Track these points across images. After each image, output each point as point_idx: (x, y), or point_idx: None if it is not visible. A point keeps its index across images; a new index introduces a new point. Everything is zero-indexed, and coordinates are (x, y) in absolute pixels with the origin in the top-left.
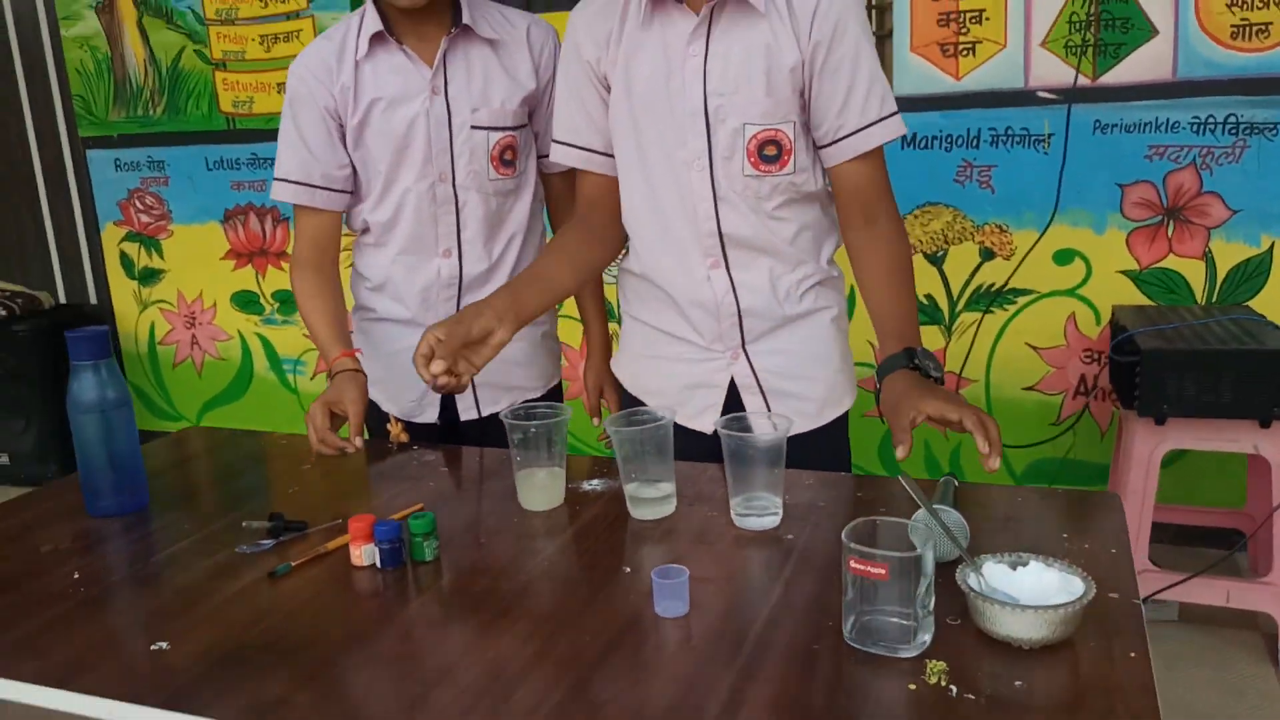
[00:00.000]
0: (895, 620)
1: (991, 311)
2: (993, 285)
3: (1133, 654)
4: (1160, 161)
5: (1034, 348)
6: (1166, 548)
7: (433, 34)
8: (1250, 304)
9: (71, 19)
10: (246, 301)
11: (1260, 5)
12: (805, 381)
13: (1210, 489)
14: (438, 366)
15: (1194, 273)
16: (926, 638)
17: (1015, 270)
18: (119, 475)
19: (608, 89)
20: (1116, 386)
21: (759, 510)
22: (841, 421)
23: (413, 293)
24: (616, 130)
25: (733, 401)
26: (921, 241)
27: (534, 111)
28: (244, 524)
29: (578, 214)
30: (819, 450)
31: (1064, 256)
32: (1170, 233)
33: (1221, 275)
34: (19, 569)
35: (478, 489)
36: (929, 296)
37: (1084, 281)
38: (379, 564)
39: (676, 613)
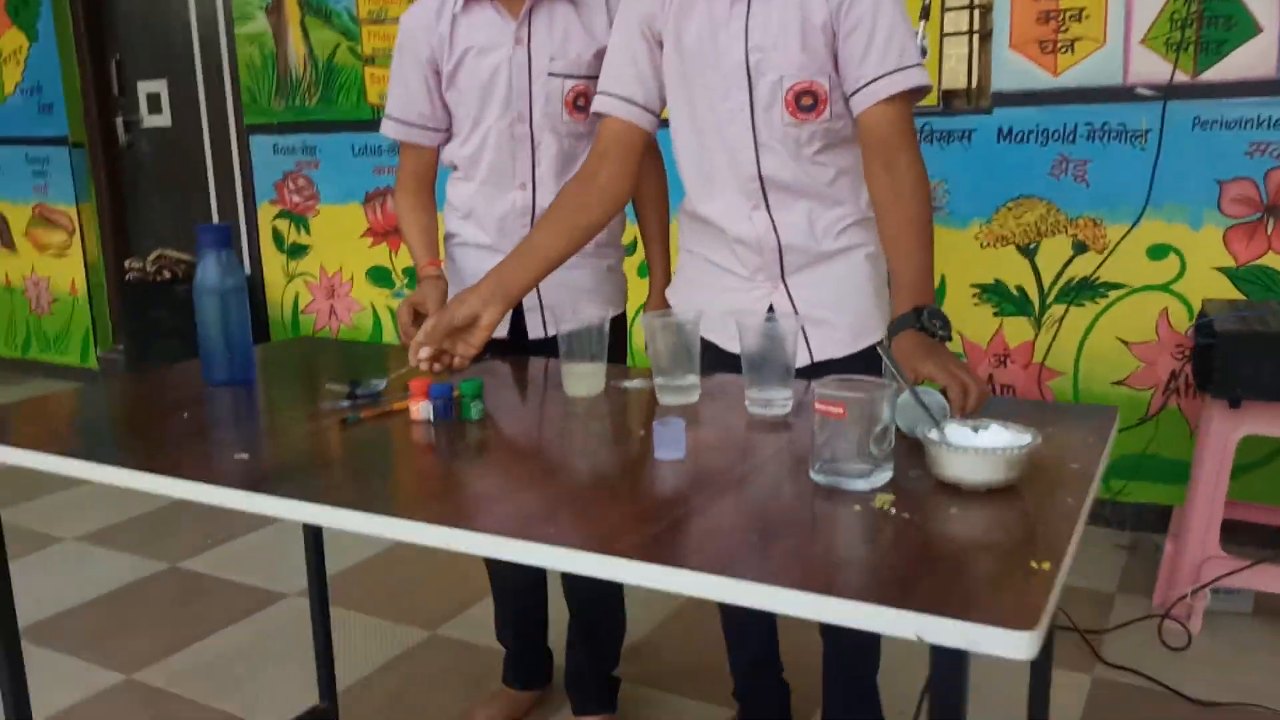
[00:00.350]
0: (855, 463)
1: (1082, 304)
2: (1085, 278)
3: (1070, 500)
4: (1261, 159)
5: (1124, 342)
6: (1253, 549)
7: None
8: None
9: (245, 18)
10: (380, 276)
11: None
12: (839, 311)
13: None
14: (425, 353)
15: None
16: (882, 478)
17: (1107, 262)
18: (231, 349)
19: (659, 45)
20: (1196, 372)
21: (767, 402)
22: (871, 354)
23: (491, 220)
24: (670, 83)
25: None
26: (1014, 233)
27: None
28: (327, 386)
29: (585, 169)
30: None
31: (1158, 252)
32: (1270, 230)
33: None
34: (146, 413)
35: (533, 382)
36: (1020, 288)
37: (1178, 277)
38: (432, 419)
39: (673, 456)
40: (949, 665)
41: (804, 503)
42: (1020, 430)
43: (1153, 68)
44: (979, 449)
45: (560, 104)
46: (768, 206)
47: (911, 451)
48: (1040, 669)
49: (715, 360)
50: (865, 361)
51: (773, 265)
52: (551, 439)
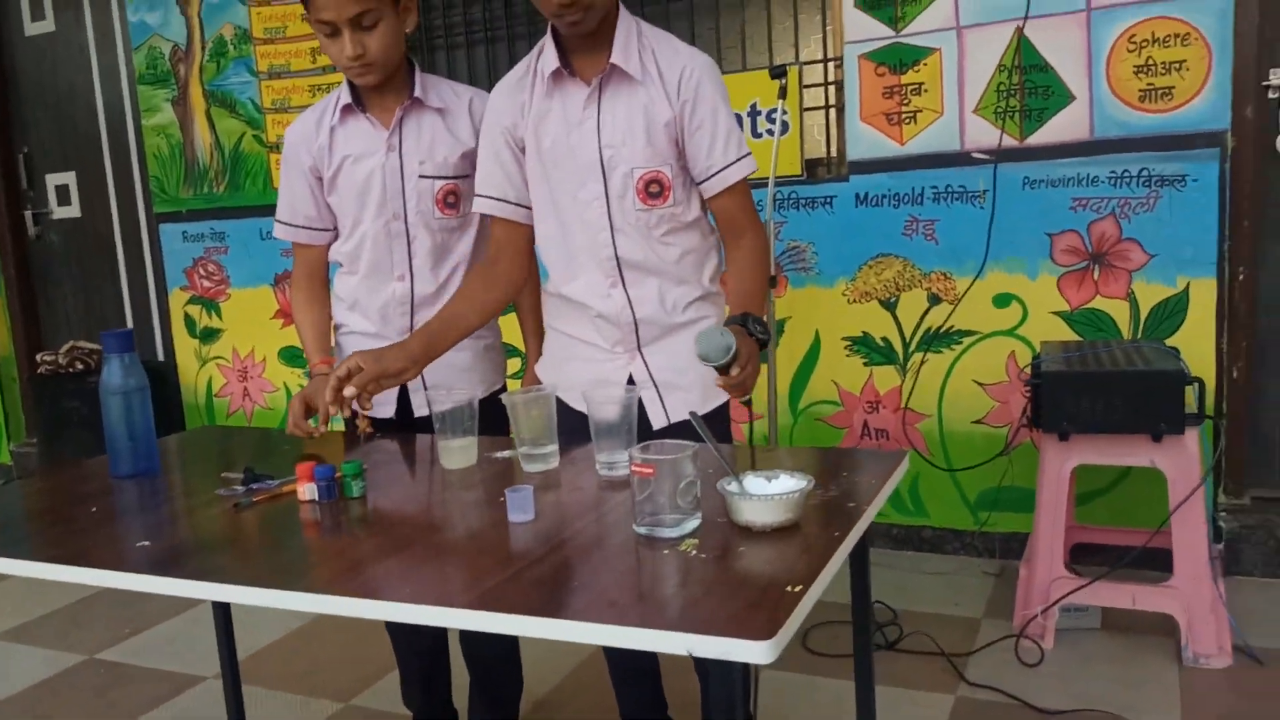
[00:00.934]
0: (668, 515)
1: (940, 351)
2: (940, 327)
3: (836, 533)
4: (1084, 212)
5: (980, 384)
6: (1098, 568)
7: (392, 104)
8: (1172, 340)
9: (151, 110)
10: (292, 356)
11: (1163, 72)
12: (689, 377)
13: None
14: (350, 392)
15: (1120, 312)
16: (691, 525)
17: (958, 312)
18: (135, 444)
19: (522, 149)
20: (1033, 410)
21: (612, 464)
22: (722, 410)
23: (374, 310)
24: (531, 180)
25: None
26: (876, 289)
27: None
28: (222, 474)
29: (488, 257)
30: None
31: (1002, 300)
32: (1096, 276)
33: (1145, 314)
34: (56, 504)
35: (414, 458)
36: (885, 339)
37: (1021, 322)
38: (317, 498)
39: (524, 518)
40: (719, 671)
41: (626, 551)
42: (802, 477)
43: (985, 134)
44: (761, 495)
45: (431, 202)
46: (624, 284)
47: (722, 501)
48: (864, 684)
49: (583, 424)
50: (712, 420)
51: (630, 337)
52: (423, 509)
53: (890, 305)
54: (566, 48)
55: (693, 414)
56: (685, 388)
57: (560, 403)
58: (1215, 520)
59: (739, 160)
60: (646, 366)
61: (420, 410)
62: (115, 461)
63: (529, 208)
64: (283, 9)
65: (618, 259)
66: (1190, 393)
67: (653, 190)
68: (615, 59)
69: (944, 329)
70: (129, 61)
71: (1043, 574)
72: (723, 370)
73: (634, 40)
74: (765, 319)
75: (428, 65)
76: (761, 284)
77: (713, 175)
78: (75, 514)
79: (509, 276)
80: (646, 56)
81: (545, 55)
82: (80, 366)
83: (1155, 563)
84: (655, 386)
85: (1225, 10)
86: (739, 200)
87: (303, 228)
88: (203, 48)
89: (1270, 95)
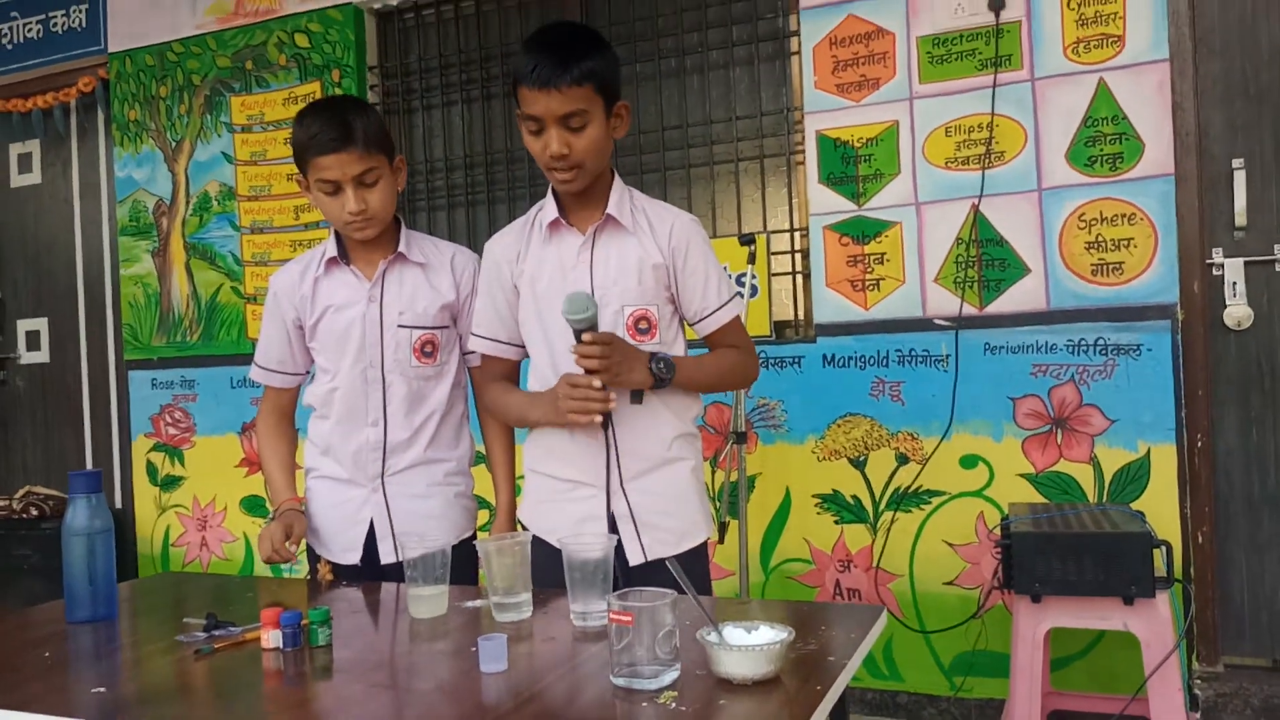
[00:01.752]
0: (647, 666)
1: (909, 510)
2: (909, 487)
3: (818, 687)
4: (1044, 378)
5: (950, 544)
6: None
7: (376, 258)
8: (1136, 504)
9: (131, 260)
10: (254, 505)
11: (1113, 248)
12: (667, 516)
13: (1134, 677)
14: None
15: (1084, 476)
16: (670, 676)
17: (926, 472)
18: (95, 589)
19: (517, 293)
20: (1004, 571)
21: (586, 614)
22: (699, 550)
23: (347, 455)
24: (525, 321)
25: (613, 531)
26: (845, 447)
27: (456, 318)
28: (184, 620)
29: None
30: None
31: (969, 461)
32: (1059, 440)
33: (1109, 478)
34: (10, 650)
35: (382, 605)
36: (855, 497)
37: (989, 484)
38: (281, 645)
39: (496, 668)
40: None
41: (603, 704)
42: (782, 629)
43: (946, 302)
44: (740, 647)
45: (409, 351)
46: (610, 418)
47: (701, 652)
48: None
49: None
50: (689, 560)
51: (612, 473)
52: (392, 659)
53: (859, 464)
54: (564, 204)
55: (671, 561)
56: (664, 527)
57: (541, 544)
58: (1190, 688)
59: (730, 301)
60: (627, 503)
61: (387, 558)
62: (72, 606)
63: (521, 346)
64: (268, 169)
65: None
66: (1159, 555)
67: (641, 327)
68: (610, 210)
69: (913, 488)
70: (112, 214)
71: None
72: (577, 336)
73: (626, 199)
74: (677, 374)
75: (412, 226)
76: (716, 366)
77: (707, 316)
78: (26, 660)
79: None
80: (638, 213)
81: (545, 209)
82: (35, 512)
83: None
84: (634, 523)
85: (1167, 194)
86: (733, 335)
87: (276, 371)
88: (187, 202)
89: (1214, 272)
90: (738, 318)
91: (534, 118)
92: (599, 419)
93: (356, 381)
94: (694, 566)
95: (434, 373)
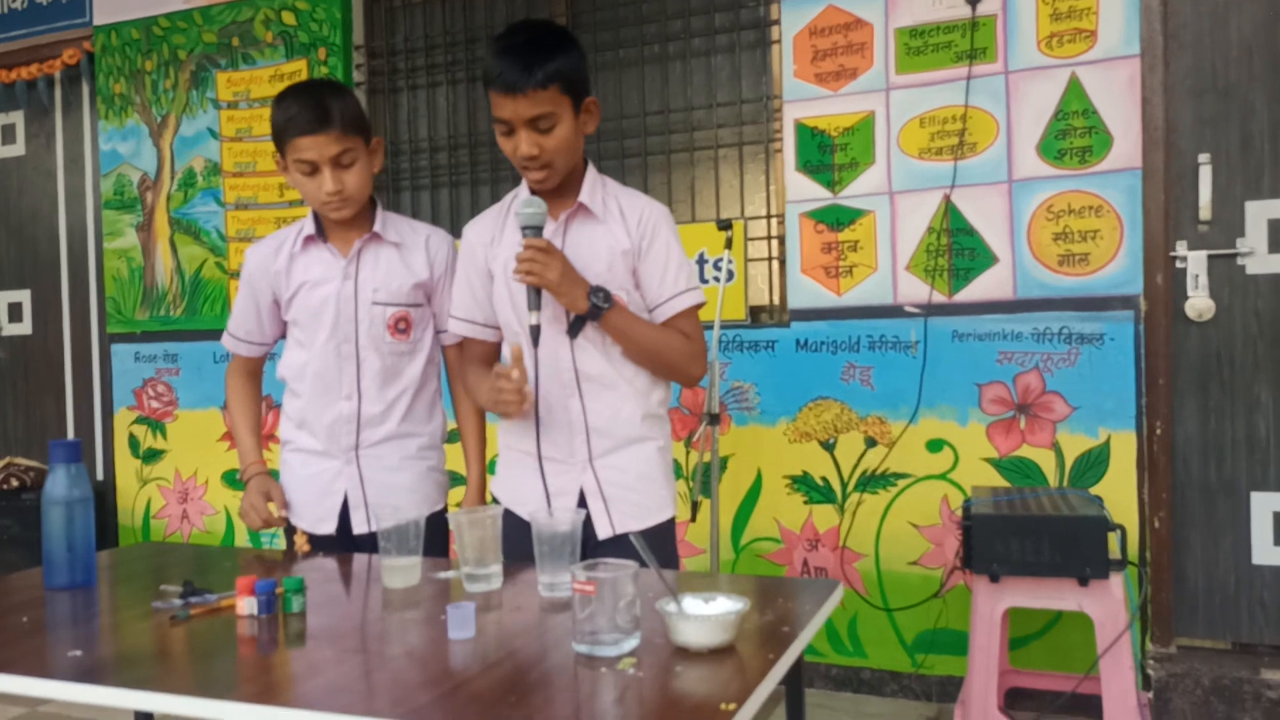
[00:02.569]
0: (608, 634)
1: (876, 492)
2: (876, 470)
3: (770, 655)
4: (1009, 365)
5: (915, 525)
6: (1032, 713)
7: (352, 237)
8: (1095, 489)
9: (114, 234)
10: (235, 479)
11: (1080, 240)
12: (634, 491)
13: (1090, 656)
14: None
15: (1046, 461)
16: (630, 644)
17: (893, 455)
18: (73, 556)
19: (491, 278)
20: (964, 552)
21: (553, 585)
22: (666, 526)
23: (321, 427)
24: (499, 305)
25: (582, 505)
26: (815, 430)
27: (430, 296)
28: (161, 587)
29: (457, 373)
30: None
31: (935, 445)
32: (1023, 426)
33: (1070, 463)
34: None
35: (355, 576)
36: (824, 478)
37: (953, 467)
38: (256, 612)
39: (464, 635)
40: None
41: (564, 669)
42: (738, 600)
43: (916, 290)
44: (698, 616)
45: (383, 327)
46: (581, 395)
47: (662, 622)
48: None
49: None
50: (656, 536)
51: (581, 449)
52: (363, 626)
53: (829, 446)
54: (538, 193)
55: (635, 536)
56: (632, 501)
57: (512, 516)
58: (1144, 668)
59: (686, 291)
60: (596, 478)
61: (359, 528)
62: (50, 572)
63: (497, 328)
64: (254, 145)
65: (576, 371)
66: (1113, 539)
67: None
68: (582, 198)
69: (880, 471)
70: (96, 187)
71: (977, 717)
72: (524, 232)
73: (599, 188)
74: (614, 314)
75: (395, 205)
76: (655, 331)
77: (663, 302)
78: (4, 624)
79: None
80: (610, 200)
81: (519, 196)
82: (15, 483)
83: (1087, 709)
84: (603, 499)
85: (1134, 188)
86: (685, 323)
87: (243, 340)
88: (172, 177)
89: (1178, 265)
90: (694, 311)
91: (503, 121)
92: (526, 408)
93: (330, 356)
94: (661, 542)
95: (408, 349)
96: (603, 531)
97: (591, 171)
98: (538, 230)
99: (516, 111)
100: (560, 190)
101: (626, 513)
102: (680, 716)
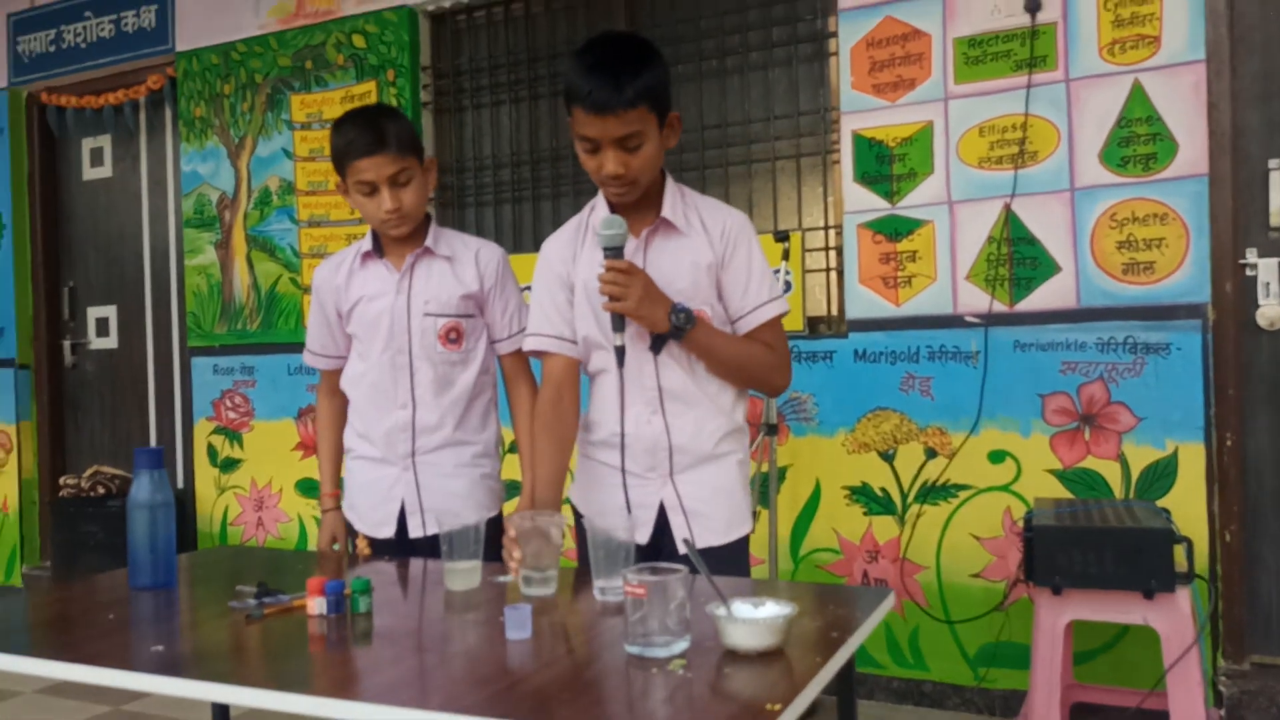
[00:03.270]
0: (659, 635)
1: (936, 504)
2: (937, 480)
3: (818, 659)
4: (1073, 375)
5: (976, 538)
6: None
7: (407, 252)
8: (1163, 501)
9: (195, 251)
10: (309, 488)
11: (1144, 248)
12: (715, 506)
13: (1157, 672)
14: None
15: (1111, 473)
16: (681, 646)
17: (954, 466)
18: (155, 558)
19: (571, 291)
20: (1026, 564)
21: (607, 589)
22: (741, 543)
23: (379, 435)
24: (581, 320)
25: (662, 519)
26: (874, 441)
27: (482, 307)
28: (237, 588)
29: (550, 397)
30: (724, 562)
31: (997, 456)
32: (1087, 437)
33: (1136, 475)
34: (77, 611)
35: (416, 578)
36: (883, 489)
37: (1016, 479)
38: (325, 612)
39: (521, 636)
40: None
41: (616, 669)
42: (787, 605)
43: (976, 299)
44: (746, 619)
45: (434, 337)
46: (664, 413)
47: (714, 626)
48: None
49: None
50: (732, 552)
51: (664, 464)
52: (426, 626)
53: (888, 457)
54: (616, 206)
55: (686, 542)
56: (711, 516)
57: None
58: (1215, 685)
59: (770, 301)
60: (677, 493)
61: (415, 532)
62: (135, 573)
63: (575, 341)
64: (326, 165)
65: (660, 389)
66: (1180, 552)
67: None
68: (665, 213)
69: (940, 482)
70: (178, 207)
71: None
72: (606, 254)
73: (679, 200)
74: (696, 332)
75: (459, 221)
76: (739, 344)
77: (746, 314)
78: (92, 620)
79: (575, 407)
80: (691, 213)
81: (597, 210)
82: (102, 490)
83: None
84: (684, 513)
85: (1200, 194)
86: (768, 335)
87: (320, 355)
88: (249, 196)
89: (1248, 273)
90: (777, 321)
91: (588, 139)
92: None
93: (386, 367)
94: (737, 557)
95: (460, 358)
96: (683, 546)
97: (671, 184)
98: (619, 251)
99: (605, 130)
100: (640, 204)
101: (708, 526)
102: (727, 715)
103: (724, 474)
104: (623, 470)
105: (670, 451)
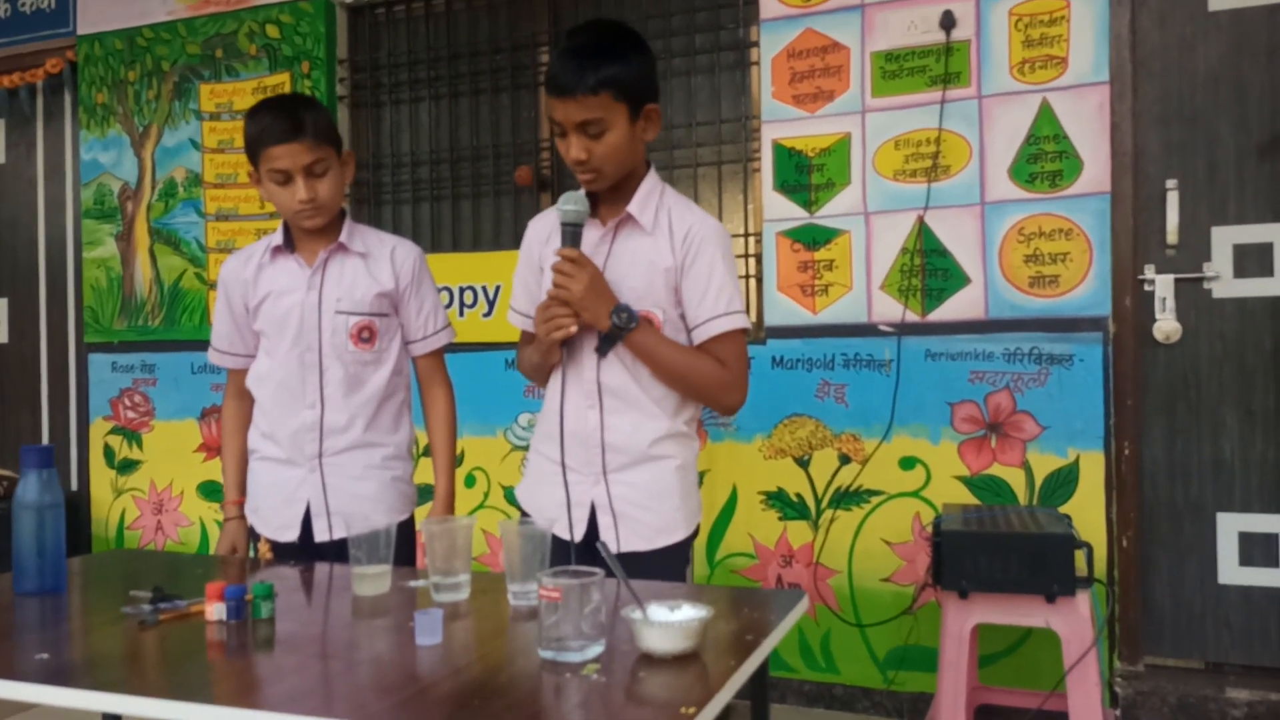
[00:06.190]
0: (573, 640)
1: (849, 509)
2: (850, 486)
3: (732, 662)
4: (980, 384)
5: (887, 542)
6: None
7: (319, 248)
8: (1064, 508)
9: (94, 244)
10: (211, 491)
11: (1050, 262)
12: (646, 510)
13: (1058, 674)
14: None
15: (1016, 480)
16: (595, 650)
17: (866, 472)
18: (43, 561)
19: (541, 273)
20: (934, 569)
21: (520, 594)
22: (676, 549)
23: (285, 436)
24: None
25: (593, 518)
26: (790, 447)
27: (397, 307)
28: (131, 593)
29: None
30: (654, 568)
31: (908, 463)
32: (994, 445)
33: (1039, 482)
34: None
35: (326, 584)
36: (798, 495)
37: (925, 485)
38: (225, 618)
39: (432, 641)
40: None
41: (529, 674)
42: (702, 608)
43: (890, 309)
44: (661, 622)
45: (345, 336)
46: (601, 408)
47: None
48: None
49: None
50: (666, 556)
51: (596, 461)
52: (331, 632)
53: (804, 463)
54: (597, 196)
55: (601, 544)
56: (639, 520)
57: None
58: (1112, 686)
59: (727, 315)
60: (608, 493)
61: (320, 536)
62: (20, 578)
63: None
64: (235, 157)
65: (599, 384)
66: (1080, 557)
67: None
68: (631, 209)
69: (853, 488)
70: (77, 196)
71: None
72: (563, 233)
73: (654, 197)
74: (637, 335)
75: (376, 219)
76: (685, 353)
77: (700, 324)
78: None
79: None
80: (662, 213)
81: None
82: None
83: None
84: (613, 514)
85: (1103, 211)
86: (723, 350)
87: (227, 353)
88: (153, 187)
89: (1146, 288)
90: (734, 336)
91: (556, 122)
92: (573, 329)
93: (294, 365)
94: (671, 563)
95: (372, 358)
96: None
97: (651, 179)
98: (575, 227)
99: (567, 115)
100: (616, 195)
101: (636, 531)
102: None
103: (659, 478)
104: (563, 465)
105: (603, 448)
